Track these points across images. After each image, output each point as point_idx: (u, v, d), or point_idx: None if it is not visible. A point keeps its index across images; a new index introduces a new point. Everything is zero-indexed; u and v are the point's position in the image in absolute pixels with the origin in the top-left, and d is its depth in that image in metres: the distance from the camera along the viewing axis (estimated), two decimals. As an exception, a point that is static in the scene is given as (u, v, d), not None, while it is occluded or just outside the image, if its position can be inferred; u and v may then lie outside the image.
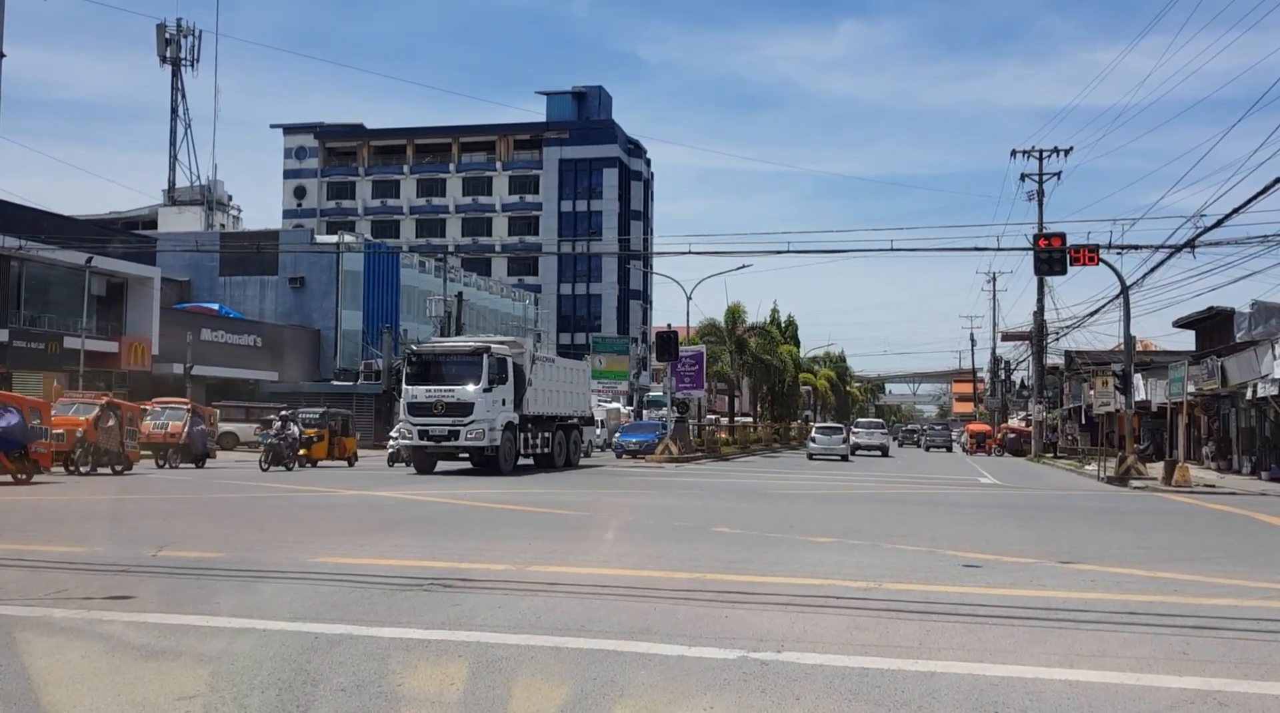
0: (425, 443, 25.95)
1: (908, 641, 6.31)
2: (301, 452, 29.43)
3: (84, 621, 6.61)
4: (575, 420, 31.51)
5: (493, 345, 26.68)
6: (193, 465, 28.22)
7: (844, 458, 41.69)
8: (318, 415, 31.87)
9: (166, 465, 27.69)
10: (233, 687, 5.15)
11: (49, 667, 5.46)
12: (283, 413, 29.58)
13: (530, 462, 28.88)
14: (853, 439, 46.56)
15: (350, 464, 31.51)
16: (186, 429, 28.46)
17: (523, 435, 27.24)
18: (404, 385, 26.65)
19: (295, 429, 28.68)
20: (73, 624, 6.52)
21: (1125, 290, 29.83)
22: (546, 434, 28.76)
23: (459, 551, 10.42)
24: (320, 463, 30.59)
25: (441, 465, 27.54)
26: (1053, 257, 27.39)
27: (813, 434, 44.24)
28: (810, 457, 42.56)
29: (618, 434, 43.16)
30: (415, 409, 25.89)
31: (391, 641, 6.10)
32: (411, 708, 4.90)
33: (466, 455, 26.75)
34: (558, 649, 5.93)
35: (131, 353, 42.26)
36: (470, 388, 25.40)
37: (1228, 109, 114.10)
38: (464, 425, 25.18)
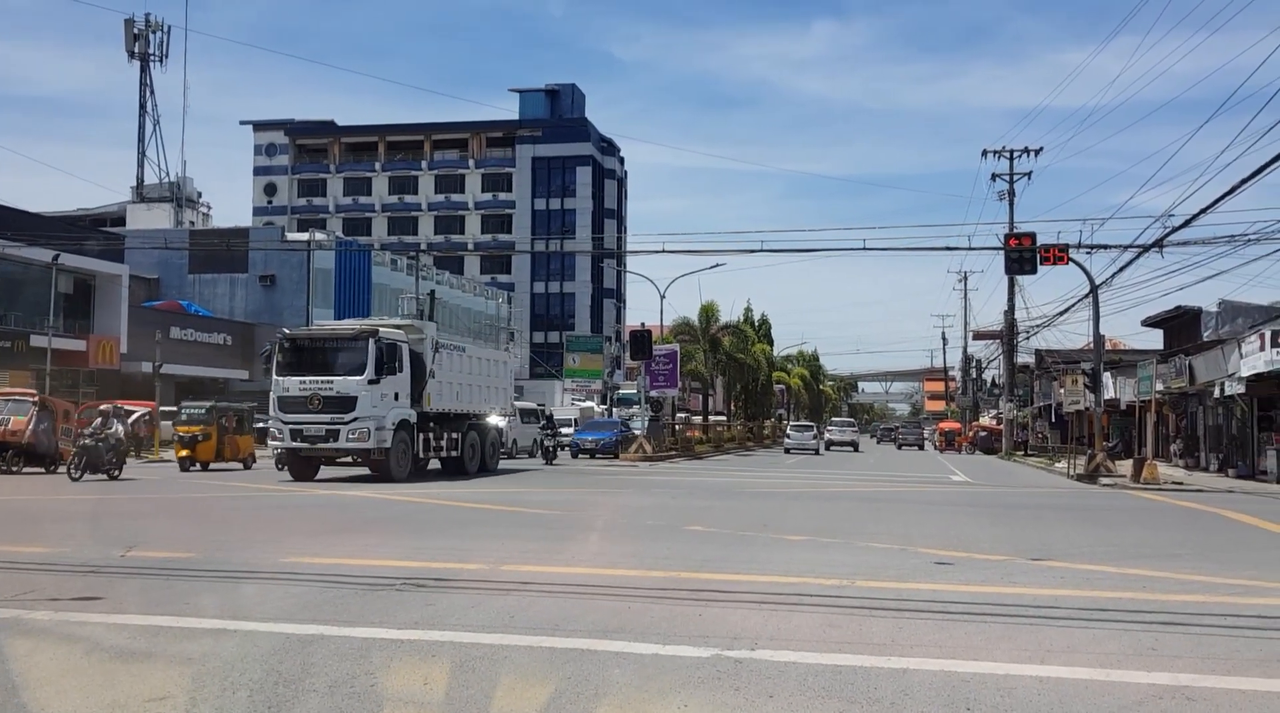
0: (299, 445, 21.75)
1: (881, 638, 6.34)
2: (183, 453, 26.03)
3: (54, 622, 6.54)
4: (492, 419, 27.73)
5: (381, 329, 22.55)
6: (41, 470, 24.36)
7: (816, 451, 47.44)
8: (204, 410, 27.23)
9: (4, 469, 23.75)
10: (206, 688, 5.11)
11: (23, 669, 5.40)
12: (102, 407, 24.66)
13: (438, 466, 25.56)
14: (827, 436, 53.68)
15: (246, 466, 27.59)
16: (31, 426, 24.05)
17: (423, 436, 23.23)
18: (274, 376, 22.17)
19: (119, 427, 22.91)
20: (45, 626, 6.45)
21: (1094, 290, 30.11)
22: (455, 434, 24.75)
23: (431, 550, 10.39)
24: (211, 465, 26.59)
25: (327, 471, 23.65)
26: (1023, 256, 27.61)
27: (789, 431, 51.42)
28: (787, 451, 47.59)
29: (573, 433, 40.95)
30: (287, 405, 21.71)
31: (366, 641, 6.08)
32: (388, 709, 4.88)
33: (351, 460, 22.81)
34: (532, 649, 5.92)
35: (99, 351, 41.80)
36: (353, 380, 21.28)
37: (1196, 110, 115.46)
38: (345, 424, 21.13)
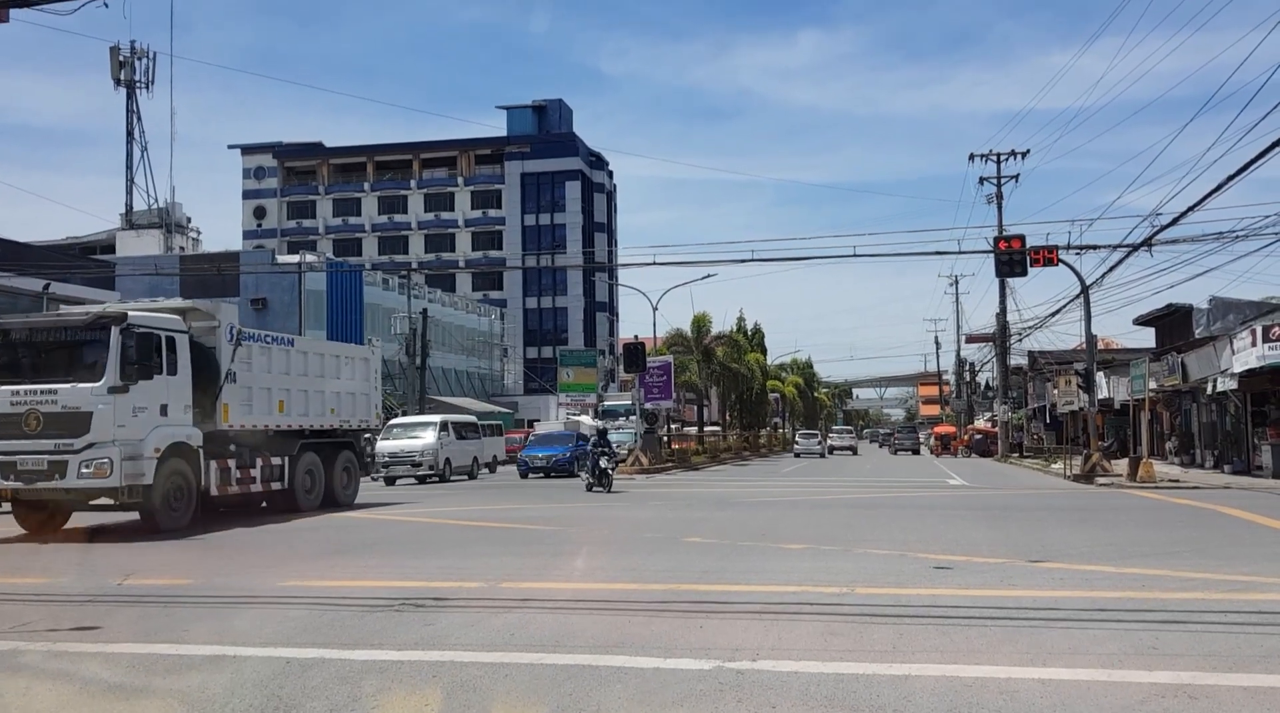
0: (11, 483, 14.54)
1: (882, 645, 6.34)
2: None
3: (52, 653, 6.51)
4: (345, 437, 20.64)
5: (134, 312, 15.70)
6: None
7: (821, 455, 55.05)
8: None
9: None
10: (204, 716, 5.07)
11: (22, 705, 5.37)
12: None
13: (264, 504, 18.73)
14: (830, 442, 63.22)
15: None
16: None
17: (218, 464, 16.52)
18: None
19: None
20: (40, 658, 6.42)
21: (1085, 290, 30.19)
22: (277, 460, 17.99)
23: (429, 570, 10.36)
24: None
25: (84, 518, 16.44)
26: (1013, 258, 27.67)
27: (797, 438, 60.25)
28: (796, 455, 55.73)
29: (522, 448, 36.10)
30: None
31: (365, 663, 6.05)
32: (387, 731, 4.86)
33: (113, 502, 14.86)
34: (533, 666, 5.90)
35: (92, 379, 41.64)
36: (84, 388, 14.49)
37: (1181, 108, 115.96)
38: (75, 452, 14.31)
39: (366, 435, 23.26)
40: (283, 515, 17.79)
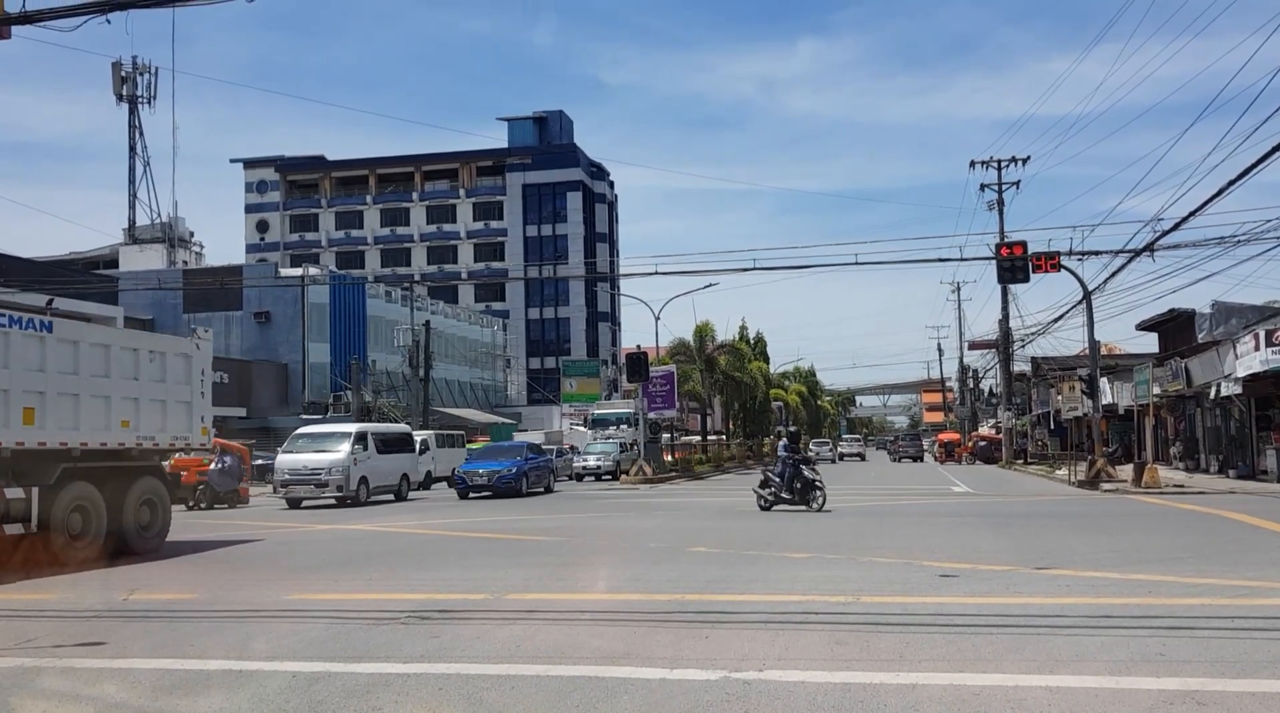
0: None
1: (888, 654, 6.33)
2: None
3: (59, 669, 6.50)
4: (144, 460, 15.00)
5: None
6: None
7: (832, 461, 59.86)
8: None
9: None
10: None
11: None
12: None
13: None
14: (840, 449, 71.17)
15: (231, 505, 26.61)
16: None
17: None
18: None
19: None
20: (38, 669, 6.41)
21: (1088, 296, 30.18)
22: (17, 493, 12.17)
23: (434, 582, 10.35)
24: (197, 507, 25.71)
25: None
26: (1015, 265, 27.67)
27: (810, 445, 61.33)
28: None
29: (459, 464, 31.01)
30: None
31: (372, 676, 6.05)
32: (394, 744, 4.84)
33: None
34: (539, 678, 5.90)
35: (96, 394, 41.67)
36: None
37: (1181, 113, 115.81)
38: None
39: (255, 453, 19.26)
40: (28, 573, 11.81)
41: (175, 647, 7.13)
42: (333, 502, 25.29)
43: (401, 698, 5.61)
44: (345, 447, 25.47)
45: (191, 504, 25.88)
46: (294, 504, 25.36)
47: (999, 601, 8.34)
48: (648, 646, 6.74)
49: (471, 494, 27.66)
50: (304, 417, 51.66)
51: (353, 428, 27.16)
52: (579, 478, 39.33)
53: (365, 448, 26.10)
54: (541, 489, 29.73)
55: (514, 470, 27.80)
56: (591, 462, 39.94)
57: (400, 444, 28.78)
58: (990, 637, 6.80)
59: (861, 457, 71.09)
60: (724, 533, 15.22)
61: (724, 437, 59.29)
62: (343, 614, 8.30)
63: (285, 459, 25.73)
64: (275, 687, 5.84)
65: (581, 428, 55.51)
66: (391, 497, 27.23)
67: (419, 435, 33.63)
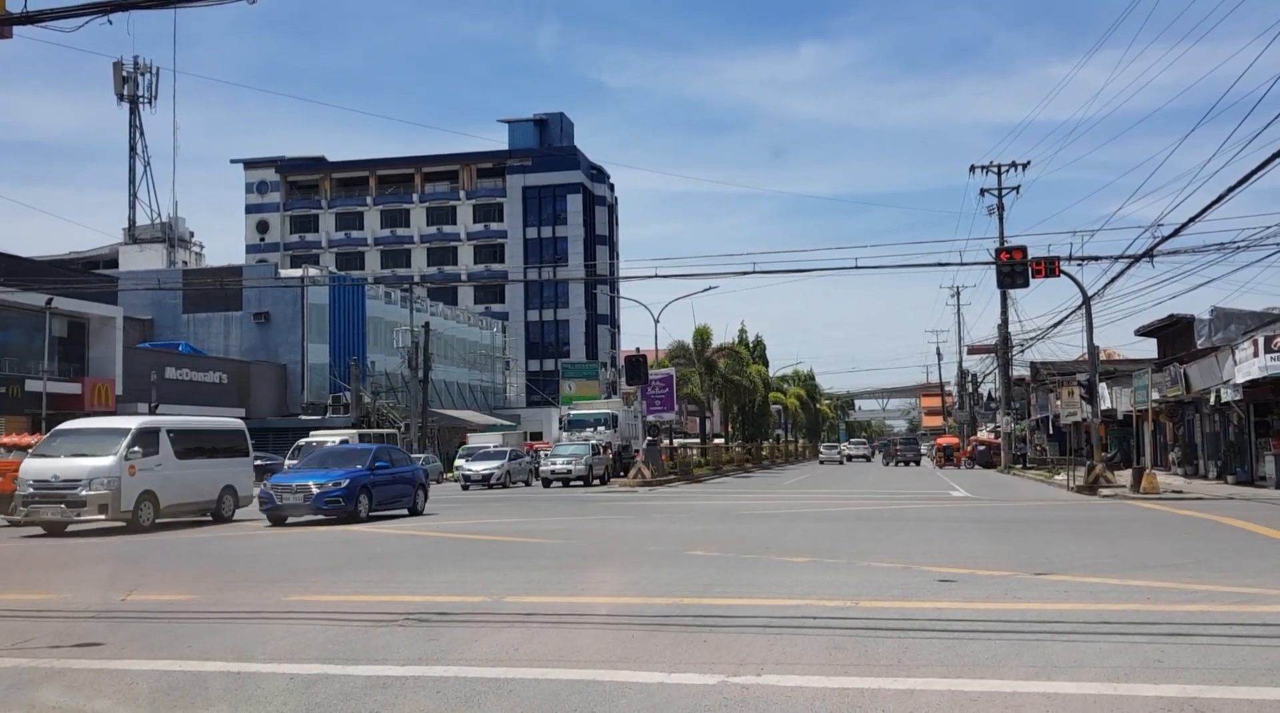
0: None
1: (887, 658, 6.32)
2: None
3: (53, 670, 6.49)
4: None
5: None
6: None
7: (840, 462, 69.78)
8: None
9: None
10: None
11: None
12: None
13: None
14: (847, 451, 78.91)
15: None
16: None
17: None
18: None
19: None
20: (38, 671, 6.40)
21: (1087, 301, 30.19)
22: None
23: (433, 584, 10.34)
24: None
25: None
26: (1015, 270, 27.68)
27: (821, 449, 78.19)
28: (821, 462, 70.68)
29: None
30: None
31: (369, 678, 6.04)
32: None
33: None
34: (536, 682, 5.89)
35: (95, 394, 41.66)
36: None
37: (1181, 119, 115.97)
38: None
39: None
40: None
41: (172, 648, 7.12)
42: (97, 527, 18.37)
43: (399, 700, 5.61)
44: (118, 449, 17.99)
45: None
46: (50, 529, 17.98)
47: (997, 606, 8.33)
48: (646, 649, 6.74)
49: (290, 517, 19.40)
50: (302, 417, 51.71)
51: (134, 422, 19.64)
52: (546, 483, 35.79)
53: (153, 451, 18.70)
54: (403, 511, 21.45)
55: (346, 484, 19.52)
56: (559, 465, 35.61)
57: (224, 447, 21.30)
58: (988, 642, 6.80)
59: (867, 459, 78.78)
60: (722, 537, 15.22)
61: (723, 440, 59.27)
62: (341, 616, 8.29)
63: (32, 465, 18.16)
64: (273, 688, 5.84)
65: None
66: (208, 517, 20.21)
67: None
